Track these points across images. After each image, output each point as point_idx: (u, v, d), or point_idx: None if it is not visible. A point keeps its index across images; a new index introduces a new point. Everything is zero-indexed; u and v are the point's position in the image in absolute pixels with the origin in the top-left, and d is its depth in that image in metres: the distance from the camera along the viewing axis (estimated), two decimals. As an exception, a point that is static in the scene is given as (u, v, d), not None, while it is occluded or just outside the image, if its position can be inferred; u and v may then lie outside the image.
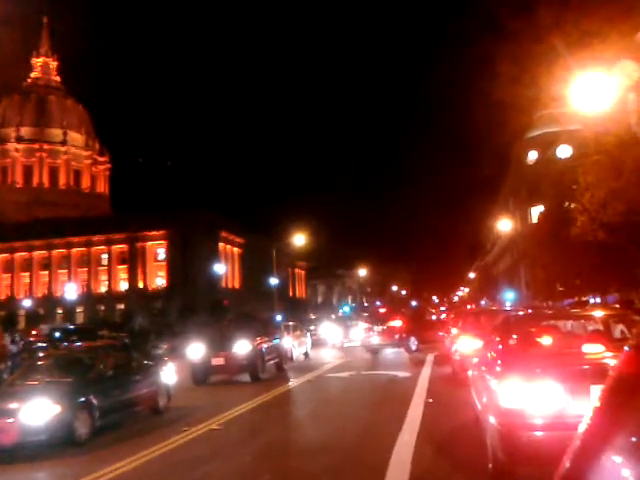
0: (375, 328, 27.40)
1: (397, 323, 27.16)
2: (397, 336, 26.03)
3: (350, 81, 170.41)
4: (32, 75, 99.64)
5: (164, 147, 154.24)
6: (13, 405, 8.94)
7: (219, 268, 72.96)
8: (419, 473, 6.56)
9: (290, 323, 28.26)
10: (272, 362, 19.43)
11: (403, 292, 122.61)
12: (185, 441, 9.45)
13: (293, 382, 17.50)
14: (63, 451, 8.85)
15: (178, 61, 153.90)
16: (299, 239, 55.34)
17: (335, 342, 35.57)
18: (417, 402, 11.63)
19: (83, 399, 9.64)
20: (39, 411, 8.85)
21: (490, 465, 6.03)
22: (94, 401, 9.78)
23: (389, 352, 26.41)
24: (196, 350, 18.04)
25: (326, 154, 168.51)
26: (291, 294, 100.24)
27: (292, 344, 24.67)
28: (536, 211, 48.01)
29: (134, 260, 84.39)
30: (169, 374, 13.06)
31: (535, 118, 48.58)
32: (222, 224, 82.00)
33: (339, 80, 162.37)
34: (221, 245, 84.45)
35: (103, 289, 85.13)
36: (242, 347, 17.60)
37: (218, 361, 17.47)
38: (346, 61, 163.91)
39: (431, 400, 11.74)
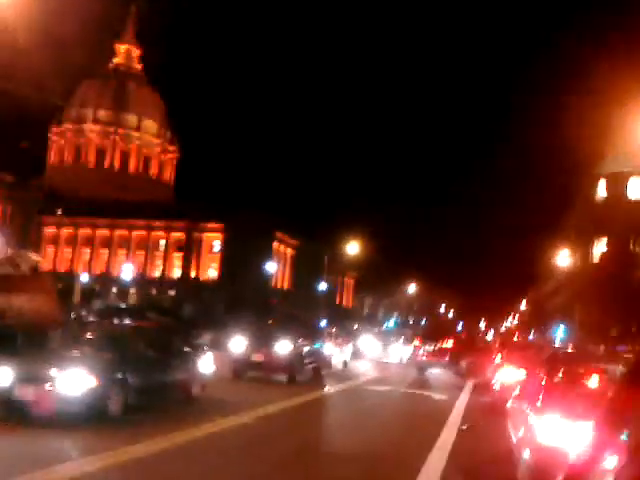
0: (426, 347, 27.34)
1: (449, 344, 27.03)
2: (447, 358, 25.88)
3: (424, 93, 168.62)
4: (114, 60, 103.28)
5: (232, 143, 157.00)
6: (52, 372, 9.09)
7: (271, 267, 73.64)
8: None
9: (333, 330, 28.28)
10: (311, 366, 19.48)
11: (450, 314, 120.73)
12: (215, 430, 9.57)
13: (329, 389, 17.51)
14: (94, 424, 8.93)
15: (258, 60, 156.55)
16: (352, 248, 55.32)
17: (374, 356, 35.35)
18: (451, 427, 11.45)
19: (119, 375, 9.78)
20: (75, 382, 8.99)
21: (518, 500, 5.88)
22: (130, 379, 9.91)
23: (434, 372, 26.09)
24: (238, 344, 18.31)
25: (394, 166, 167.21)
26: (338, 302, 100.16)
27: (333, 351, 24.67)
28: (599, 250, 46.46)
29: (190, 249, 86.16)
30: (206, 364, 13.17)
31: (609, 154, 47.11)
32: (279, 224, 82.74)
33: (416, 90, 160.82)
34: (275, 245, 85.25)
35: (157, 274, 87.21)
36: (283, 347, 17.74)
37: (258, 357, 17.66)
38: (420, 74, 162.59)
39: (465, 427, 11.53)
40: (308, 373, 19.28)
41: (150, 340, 11.69)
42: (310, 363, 19.36)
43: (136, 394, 10.00)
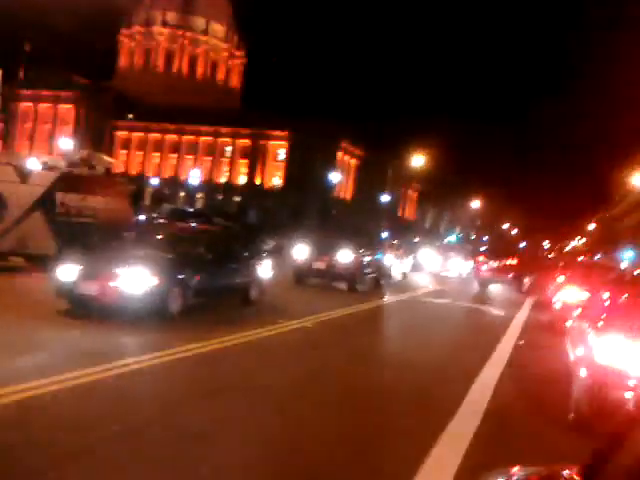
0: (490, 263, 27.34)
1: (512, 262, 26.94)
2: (509, 274, 25.88)
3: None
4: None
5: (299, 49, 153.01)
6: (116, 270, 9.37)
7: (334, 177, 73.52)
8: (496, 407, 6.62)
9: (394, 242, 28.38)
10: (371, 276, 19.79)
11: (513, 232, 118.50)
12: (273, 333, 9.87)
13: (388, 299, 17.83)
14: (154, 322, 9.14)
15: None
16: (417, 160, 54.28)
17: (434, 269, 35.43)
18: (508, 341, 11.54)
19: (180, 276, 9.98)
20: (137, 280, 9.22)
21: (571, 416, 5.97)
22: (190, 280, 10.16)
23: (495, 288, 26.08)
24: (301, 251, 18.73)
25: (464, 79, 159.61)
26: (400, 214, 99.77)
27: (393, 262, 24.88)
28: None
29: (255, 156, 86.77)
30: (266, 269, 13.45)
31: None
32: (344, 133, 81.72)
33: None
34: (339, 154, 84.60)
35: (223, 180, 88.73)
36: (344, 256, 18.04)
37: (319, 265, 18.06)
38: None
39: (522, 342, 11.60)
40: (368, 282, 19.61)
41: (211, 243, 11.90)
42: (370, 273, 19.65)
43: (195, 294, 10.24)
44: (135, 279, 9.23)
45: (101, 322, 8.97)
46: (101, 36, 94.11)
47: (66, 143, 66.26)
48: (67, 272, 9.48)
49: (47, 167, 16.57)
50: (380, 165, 70.53)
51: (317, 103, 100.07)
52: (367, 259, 19.36)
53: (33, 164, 16.84)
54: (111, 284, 9.19)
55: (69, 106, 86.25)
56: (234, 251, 13.00)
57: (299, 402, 6.20)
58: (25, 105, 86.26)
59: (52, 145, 79.45)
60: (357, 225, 51.30)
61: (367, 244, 20.69)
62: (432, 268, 35.58)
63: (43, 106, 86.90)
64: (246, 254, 13.54)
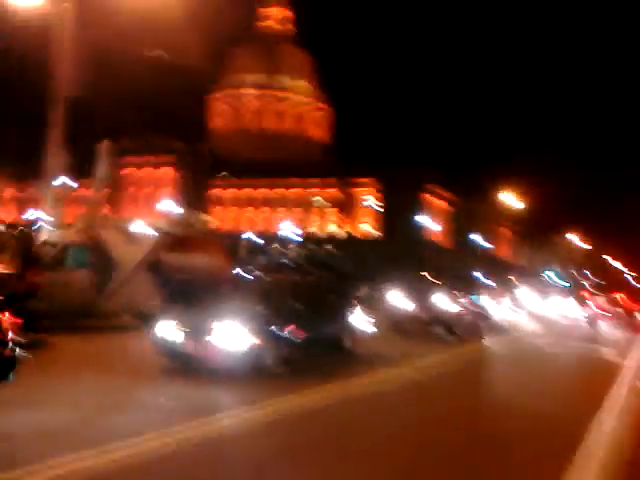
0: (595, 298, 26.01)
1: (620, 297, 25.48)
2: (618, 311, 24.45)
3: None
4: (266, 24, 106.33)
5: (384, 98, 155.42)
6: (213, 326, 9.39)
7: (426, 221, 72.99)
8: (615, 457, 6.21)
9: (490, 282, 27.64)
10: (469, 319, 19.29)
11: (616, 265, 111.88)
12: (374, 381, 9.74)
13: (487, 341, 17.28)
14: (250, 376, 9.06)
15: (412, 15, 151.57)
16: (510, 199, 53.01)
17: (533, 308, 34.01)
18: (623, 384, 10.85)
19: (276, 329, 9.98)
20: (234, 335, 9.29)
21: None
22: (285, 333, 10.09)
23: (602, 325, 24.67)
24: (396, 297, 18.58)
25: (557, 118, 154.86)
26: (494, 253, 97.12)
27: (490, 303, 24.16)
28: None
29: (345, 205, 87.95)
30: (360, 318, 13.11)
31: None
32: (433, 178, 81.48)
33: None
34: (430, 198, 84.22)
35: (314, 229, 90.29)
36: (440, 300, 17.75)
37: (415, 310, 17.83)
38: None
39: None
40: (466, 326, 19.10)
41: (305, 294, 11.84)
42: (467, 315, 19.17)
43: (291, 347, 10.16)
44: (231, 335, 9.32)
45: (199, 378, 9.08)
46: (193, 101, 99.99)
47: (167, 205, 70.16)
48: (167, 329, 9.74)
49: (151, 229, 17.61)
50: (472, 206, 69.49)
51: (405, 149, 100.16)
52: (464, 302, 18.95)
53: (139, 226, 17.96)
54: (207, 340, 9.32)
55: (168, 169, 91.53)
56: (328, 300, 12.96)
57: (423, 459, 5.93)
58: (129, 171, 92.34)
59: (155, 207, 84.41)
60: (452, 268, 50.39)
61: (463, 286, 20.26)
62: (532, 307, 34.18)
63: (145, 171, 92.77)
64: (341, 303, 13.49)
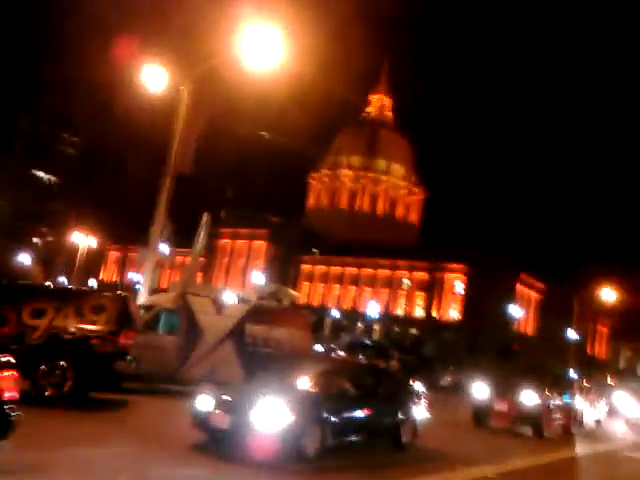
0: None
1: None
2: None
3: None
4: (367, 110, 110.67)
5: (477, 185, 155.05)
6: (249, 403, 8.83)
7: (514, 310, 70.41)
8: None
9: (585, 383, 25.97)
10: (559, 421, 18.11)
11: None
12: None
13: (580, 450, 16.00)
14: (287, 464, 8.48)
15: (509, 106, 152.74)
16: (607, 293, 50.30)
17: (633, 416, 31.36)
18: None
19: (320, 412, 9.21)
20: (271, 414, 8.57)
21: None
22: (331, 418, 9.31)
23: None
24: (480, 389, 17.82)
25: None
26: (589, 352, 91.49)
27: (583, 407, 22.60)
28: None
29: (432, 289, 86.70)
30: (422, 409, 12.05)
31: None
32: (524, 266, 79.28)
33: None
34: (520, 287, 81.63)
35: (400, 312, 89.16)
36: (528, 397, 16.83)
37: (501, 406, 16.98)
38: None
39: None
40: (556, 429, 17.91)
41: (359, 379, 11.10)
42: (558, 418, 18.01)
43: (335, 434, 9.33)
44: (268, 413, 8.56)
45: (229, 459, 8.54)
46: (295, 179, 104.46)
47: (258, 277, 71.98)
48: (205, 402, 9.25)
49: (240, 300, 18.11)
50: (564, 298, 66.40)
51: (496, 236, 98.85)
52: (554, 402, 17.85)
53: (228, 297, 18.52)
54: (242, 418, 8.62)
55: (262, 242, 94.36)
56: (386, 387, 11.91)
57: None
58: (223, 241, 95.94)
59: (245, 278, 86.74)
60: (541, 363, 47.96)
61: (554, 384, 19.10)
62: (631, 415, 31.54)
63: (239, 242, 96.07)
64: (400, 391, 12.49)
